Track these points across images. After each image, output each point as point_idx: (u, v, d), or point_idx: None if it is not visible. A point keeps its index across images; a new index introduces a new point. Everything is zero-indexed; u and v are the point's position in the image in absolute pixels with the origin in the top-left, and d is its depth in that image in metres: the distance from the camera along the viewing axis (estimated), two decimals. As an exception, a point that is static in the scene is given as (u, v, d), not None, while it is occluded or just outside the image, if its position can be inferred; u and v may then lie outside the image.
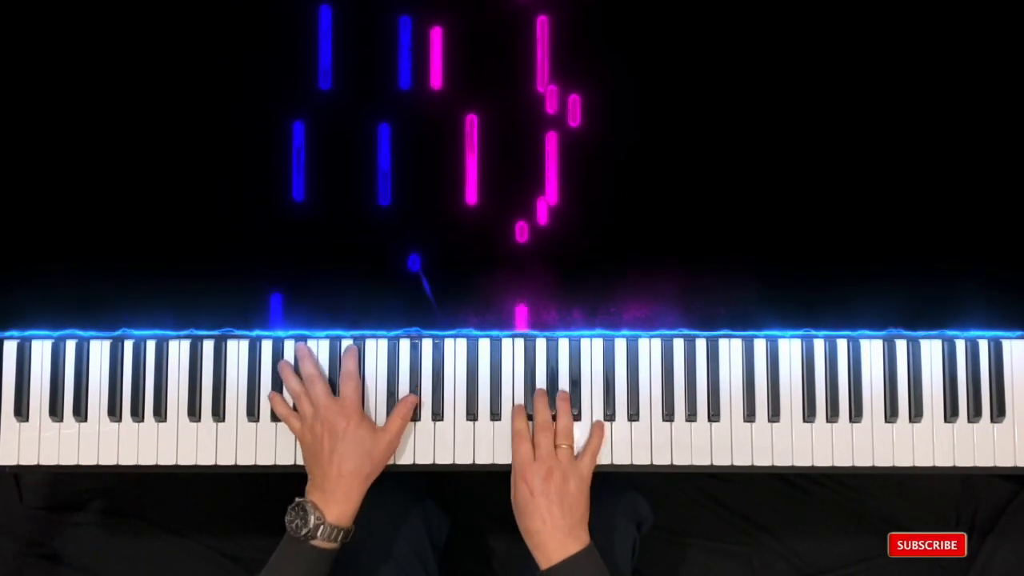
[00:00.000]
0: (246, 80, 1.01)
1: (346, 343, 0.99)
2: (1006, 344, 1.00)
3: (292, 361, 0.99)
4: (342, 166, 1.00)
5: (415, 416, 0.98)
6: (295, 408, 0.97)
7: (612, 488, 1.08)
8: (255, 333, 1.00)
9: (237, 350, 1.00)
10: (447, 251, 1.00)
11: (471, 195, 0.98)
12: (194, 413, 0.99)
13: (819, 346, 0.99)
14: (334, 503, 0.89)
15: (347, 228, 1.01)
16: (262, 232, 1.01)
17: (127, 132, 1.01)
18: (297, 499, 0.90)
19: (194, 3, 1.01)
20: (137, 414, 0.99)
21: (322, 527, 0.87)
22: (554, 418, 0.96)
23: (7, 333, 1.00)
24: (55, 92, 1.01)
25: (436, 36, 0.96)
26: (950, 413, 0.98)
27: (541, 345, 1.00)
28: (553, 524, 0.89)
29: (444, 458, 0.99)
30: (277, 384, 0.99)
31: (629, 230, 1.01)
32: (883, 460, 0.98)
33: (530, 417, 0.97)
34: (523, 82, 0.99)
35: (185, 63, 1.01)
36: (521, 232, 0.99)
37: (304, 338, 1.00)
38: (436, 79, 0.98)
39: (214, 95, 1.01)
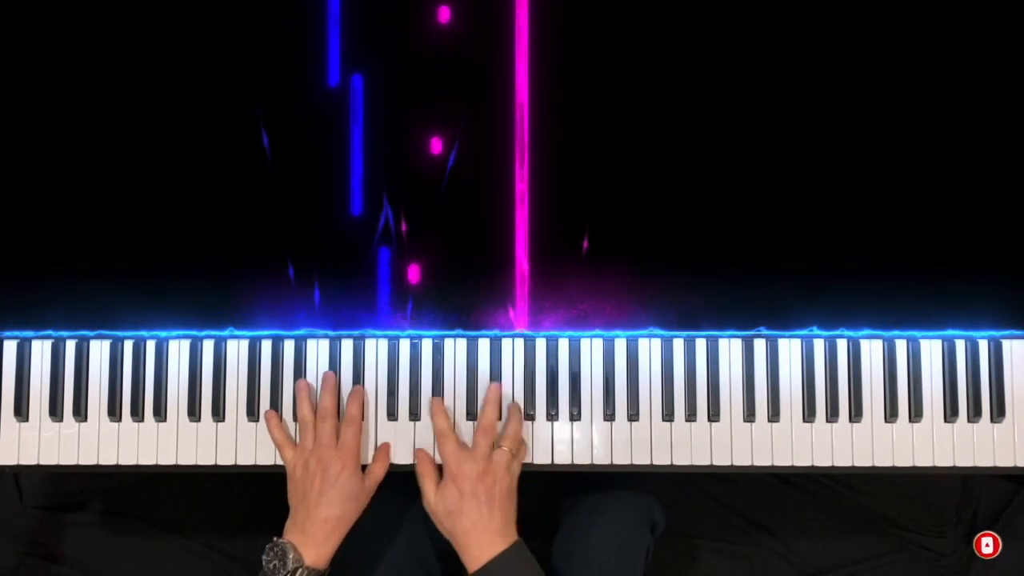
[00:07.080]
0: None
1: (346, 344, 0.99)
2: (1006, 344, 1.00)
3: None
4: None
5: (415, 416, 0.99)
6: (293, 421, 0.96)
7: (629, 492, 1.08)
8: (255, 333, 1.00)
9: (237, 350, 1.00)
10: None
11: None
12: (194, 413, 0.99)
13: (819, 346, 0.99)
14: (313, 546, 0.88)
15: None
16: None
17: (126, 143, 1.01)
18: (275, 539, 0.89)
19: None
20: (137, 414, 0.99)
21: (300, 570, 0.87)
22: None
23: (7, 333, 1.00)
24: (56, 102, 1.01)
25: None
26: (950, 413, 0.98)
27: (541, 345, 0.99)
28: (483, 526, 0.89)
29: (444, 458, 0.99)
30: (277, 388, 0.99)
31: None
32: (883, 460, 0.98)
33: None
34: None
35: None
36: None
37: (305, 338, 1.00)
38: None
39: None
